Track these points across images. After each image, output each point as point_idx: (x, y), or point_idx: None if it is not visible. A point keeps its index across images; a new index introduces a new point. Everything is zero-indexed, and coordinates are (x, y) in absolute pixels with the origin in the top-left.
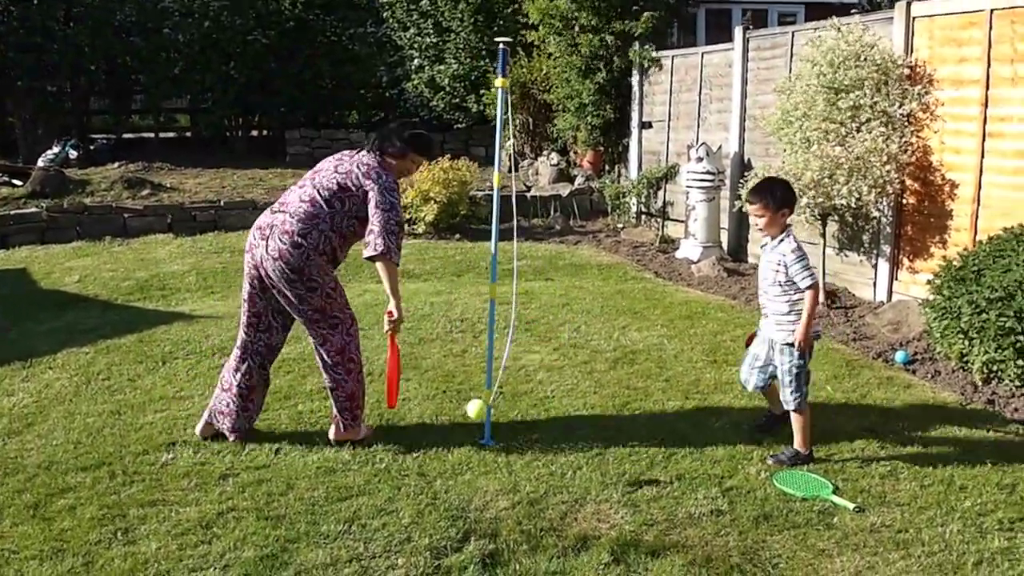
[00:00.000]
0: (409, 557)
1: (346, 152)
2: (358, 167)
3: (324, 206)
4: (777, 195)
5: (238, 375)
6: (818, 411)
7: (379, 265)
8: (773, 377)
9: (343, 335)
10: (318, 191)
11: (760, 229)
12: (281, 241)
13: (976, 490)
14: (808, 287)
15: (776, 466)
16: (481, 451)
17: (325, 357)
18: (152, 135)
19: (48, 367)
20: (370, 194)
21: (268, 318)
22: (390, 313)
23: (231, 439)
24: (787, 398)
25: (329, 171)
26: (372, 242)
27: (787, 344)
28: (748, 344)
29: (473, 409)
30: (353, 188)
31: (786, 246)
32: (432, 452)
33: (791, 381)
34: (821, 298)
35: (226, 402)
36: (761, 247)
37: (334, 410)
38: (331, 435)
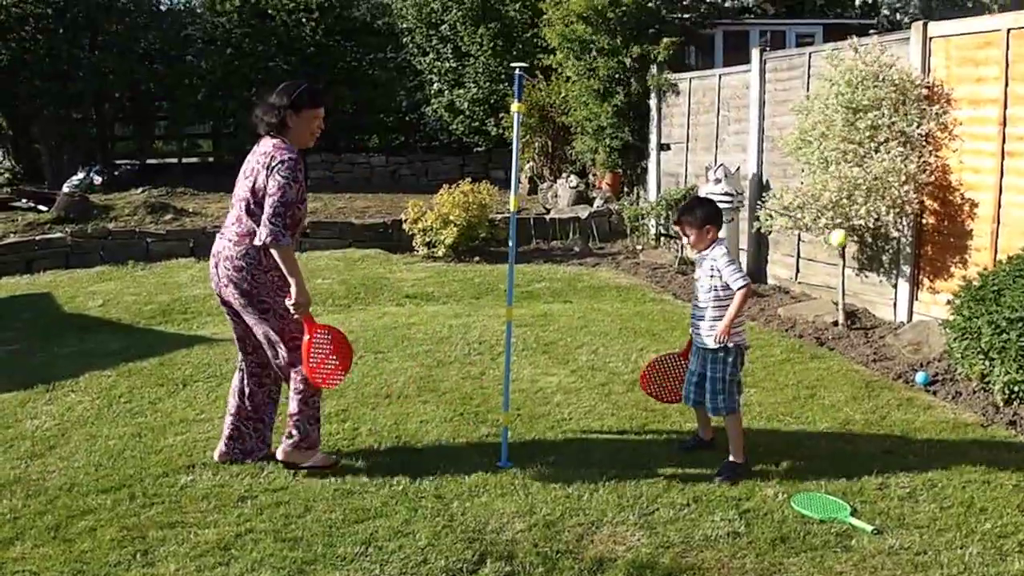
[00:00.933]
0: None
1: (250, 154)
2: (258, 160)
3: (247, 218)
4: (699, 213)
5: (244, 399)
6: (837, 432)
7: (273, 252)
8: (701, 402)
9: (298, 357)
10: (239, 206)
11: (690, 246)
12: (225, 267)
13: (996, 512)
14: (740, 287)
15: (722, 483)
16: (498, 473)
17: (291, 380)
18: (175, 161)
19: (71, 390)
20: (269, 179)
21: (253, 338)
22: (289, 296)
23: (248, 461)
24: (717, 405)
25: (241, 179)
26: (259, 232)
27: (716, 350)
28: (684, 356)
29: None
30: (262, 185)
31: (717, 251)
32: (449, 474)
33: (721, 388)
34: (750, 303)
35: (234, 425)
36: (693, 260)
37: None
38: (278, 454)
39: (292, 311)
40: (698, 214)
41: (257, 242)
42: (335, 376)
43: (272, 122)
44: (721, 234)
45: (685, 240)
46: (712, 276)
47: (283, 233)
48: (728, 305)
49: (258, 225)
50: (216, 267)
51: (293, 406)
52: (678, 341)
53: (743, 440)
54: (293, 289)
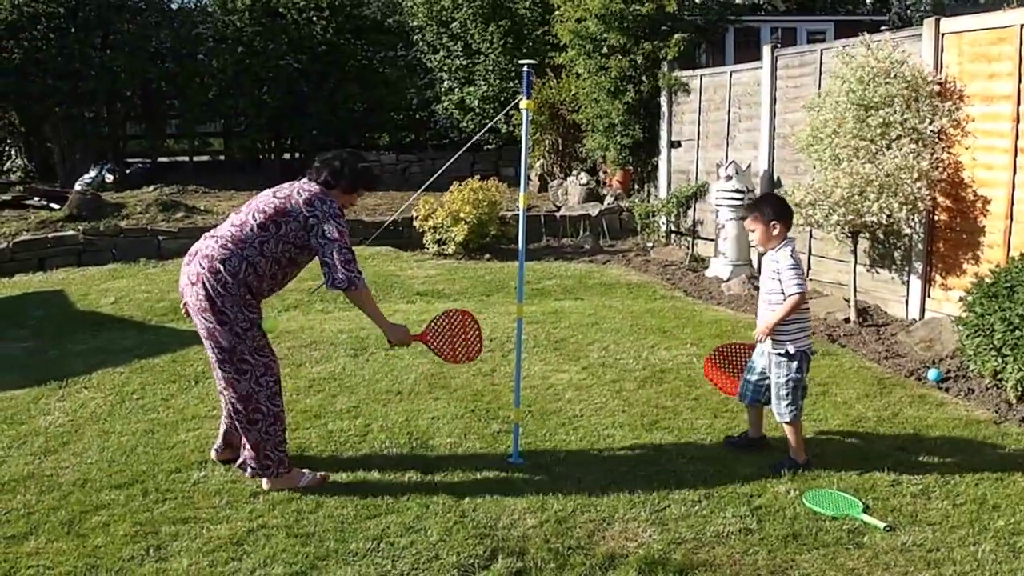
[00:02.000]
0: (437, 575)
1: (286, 183)
2: (299, 193)
3: (255, 229)
4: (767, 210)
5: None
6: (849, 430)
7: (351, 297)
8: (758, 401)
9: (251, 383)
10: (251, 215)
11: (757, 243)
12: (200, 265)
13: (1009, 509)
14: (793, 293)
15: (775, 474)
16: (509, 469)
17: (230, 402)
18: (187, 159)
19: (84, 387)
20: (311, 221)
21: None
22: (391, 344)
23: (266, 487)
24: (781, 410)
25: (268, 196)
26: (330, 274)
27: (782, 355)
28: (752, 348)
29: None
30: (292, 214)
31: (783, 253)
32: (460, 470)
33: (787, 393)
34: (817, 311)
35: (227, 427)
36: (760, 255)
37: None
38: (264, 485)
39: (393, 344)
40: (766, 210)
41: (334, 285)
42: (472, 348)
43: (330, 179)
44: (732, 231)
45: (751, 236)
46: (774, 278)
47: (360, 277)
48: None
49: (262, 244)
50: (189, 263)
51: (253, 436)
52: (689, 338)
53: (804, 443)
54: (388, 335)
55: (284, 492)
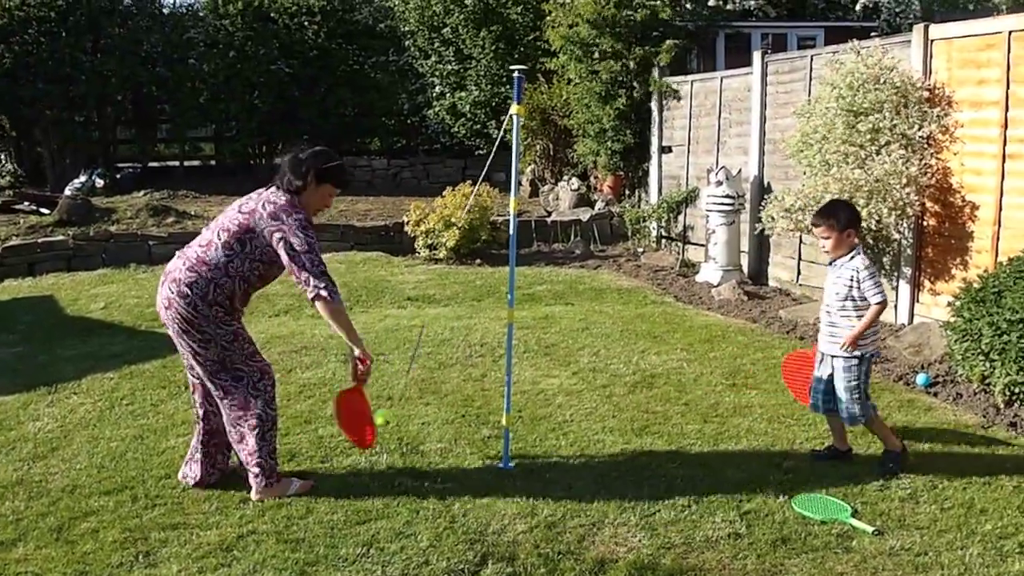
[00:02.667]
0: None
1: (255, 192)
2: (263, 206)
3: (220, 249)
4: (841, 216)
5: (205, 417)
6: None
7: (322, 310)
8: (831, 409)
9: (247, 389)
10: (216, 234)
11: (827, 251)
12: (170, 289)
13: (997, 513)
14: (878, 303)
15: (889, 476)
16: (499, 475)
17: (225, 410)
18: (177, 164)
19: (73, 392)
20: (277, 235)
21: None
22: (362, 360)
23: (255, 497)
24: (855, 414)
25: (233, 211)
26: (305, 288)
27: (847, 359)
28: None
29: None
30: (256, 230)
31: (859, 262)
32: (450, 476)
33: (857, 396)
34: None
35: (203, 449)
36: (829, 264)
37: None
38: (253, 495)
39: (353, 376)
40: (841, 217)
41: (311, 295)
42: (365, 435)
43: (294, 182)
44: (722, 237)
45: (821, 244)
46: (850, 286)
47: (335, 291)
48: (859, 315)
49: (228, 262)
50: (163, 285)
51: (252, 443)
52: (680, 343)
53: (888, 430)
54: (357, 351)
55: (275, 498)
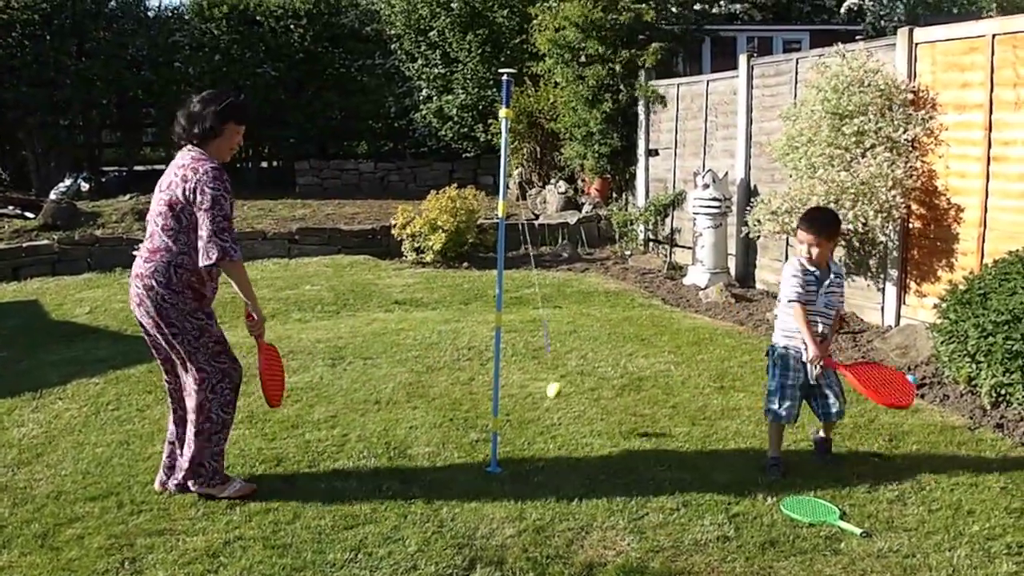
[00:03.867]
0: None
1: (171, 167)
2: (175, 173)
3: (161, 234)
4: (832, 229)
5: (179, 427)
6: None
7: (224, 269)
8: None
9: (206, 391)
10: (153, 221)
11: (812, 259)
12: (136, 286)
13: (984, 515)
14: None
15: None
16: (487, 478)
17: (187, 406)
18: (163, 167)
19: (58, 397)
20: (191, 196)
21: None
22: (250, 316)
23: (194, 490)
24: (843, 407)
25: (157, 192)
26: (204, 248)
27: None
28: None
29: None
30: (180, 200)
31: (840, 269)
32: (438, 480)
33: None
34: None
35: (173, 455)
36: (813, 275)
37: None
38: (192, 487)
39: (249, 330)
40: (831, 229)
41: (206, 260)
42: (277, 394)
43: (195, 132)
44: (709, 239)
45: (805, 251)
46: (835, 292)
47: (234, 249)
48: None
49: (174, 242)
50: (131, 286)
51: (198, 442)
52: (667, 346)
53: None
54: (251, 307)
55: (262, 503)
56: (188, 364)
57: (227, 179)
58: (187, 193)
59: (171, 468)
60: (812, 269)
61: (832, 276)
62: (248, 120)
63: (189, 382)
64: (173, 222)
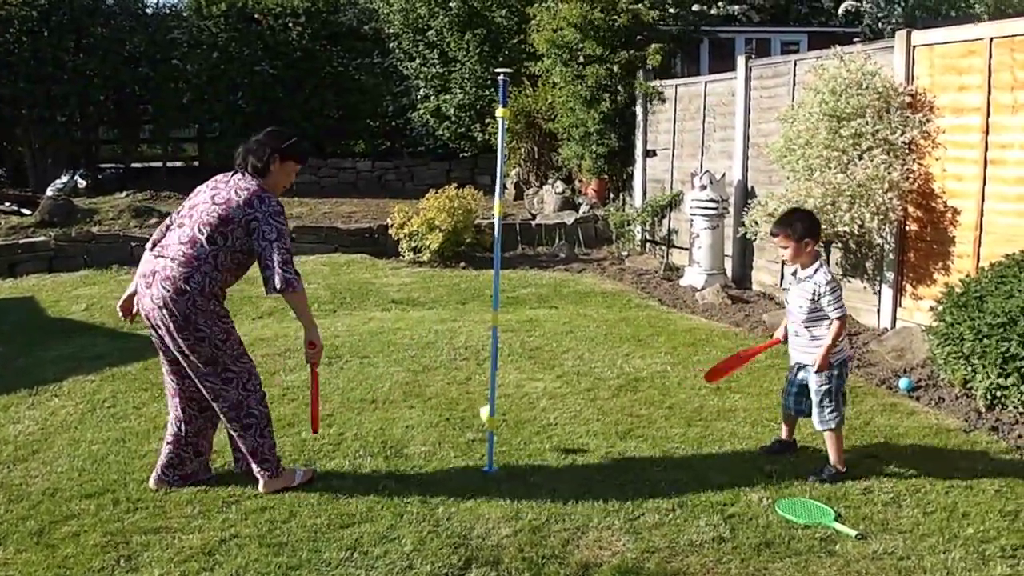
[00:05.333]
0: None
1: (220, 177)
2: (236, 194)
3: (205, 245)
4: (798, 227)
5: (182, 425)
6: (821, 438)
7: (287, 298)
8: (802, 412)
9: (239, 389)
10: (198, 229)
11: (786, 260)
12: (164, 288)
13: (979, 517)
14: (838, 318)
15: (816, 482)
16: (483, 478)
17: (222, 409)
18: (160, 164)
19: (54, 395)
20: (252, 224)
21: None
22: (311, 344)
23: (263, 489)
24: (824, 417)
25: (207, 203)
26: (270, 278)
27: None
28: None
29: (484, 414)
30: (235, 220)
31: (821, 277)
32: (434, 479)
33: (830, 400)
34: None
35: (174, 453)
36: (792, 274)
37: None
38: (261, 488)
39: (307, 359)
40: (797, 227)
41: (272, 288)
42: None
43: (257, 165)
44: (706, 241)
45: (780, 252)
46: (813, 300)
47: (297, 280)
48: (824, 324)
49: (214, 256)
50: (150, 287)
51: (251, 441)
52: (664, 347)
53: (842, 450)
54: (311, 334)
55: (258, 500)
56: (208, 368)
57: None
58: (247, 218)
59: (168, 467)
60: (793, 268)
61: (802, 279)
62: (305, 163)
63: (214, 388)
64: (220, 238)
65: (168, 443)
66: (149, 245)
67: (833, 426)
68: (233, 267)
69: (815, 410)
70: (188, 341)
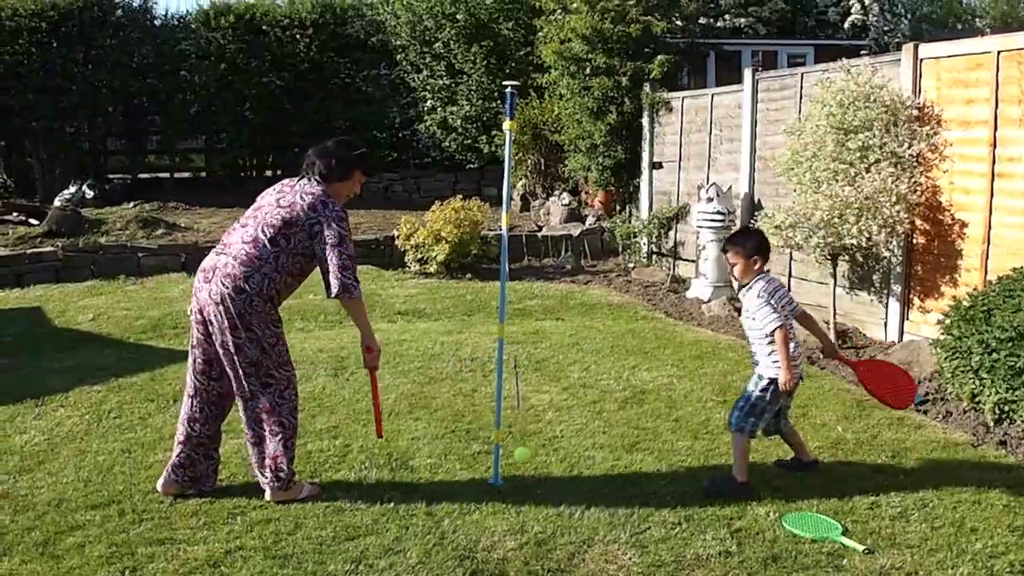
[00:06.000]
0: None
1: (287, 181)
2: (301, 198)
3: (268, 246)
4: (748, 244)
5: (196, 425)
6: (828, 452)
7: (344, 304)
8: (777, 429)
9: (275, 396)
10: (261, 230)
11: (735, 276)
12: (223, 284)
13: (987, 532)
14: (772, 330)
15: (709, 489)
16: (489, 491)
17: (251, 412)
18: (167, 175)
19: (60, 405)
20: (315, 228)
21: (221, 366)
22: (368, 349)
23: (198, 489)
24: (734, 416)
25: (272, 206)
26: (330, 282)
27: (760, 376)
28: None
29: (520, 455)
30: (298, 223)
31: (758, 286)
32: (440, 492)
33: (744, 406)
34: (804, 335)
35: (185, 454)
36: (738, 290)
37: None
38: (268, 496)
39: (365, 363)
40: (748, 244)
41: (332, 292)
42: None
43: (326, 172)
44: (713, 253)
45: (728, 268)
46: (753, 317)
47: (354, 285)
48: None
49: (275, 258)
50: (209, 282)
51: (273, 447)
52: (670, 359)
53: (745, 462)
54: (368, 339)
55: (263, 512)
56: (247, 370)
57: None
58: (311, 222)
59: (179, 467)
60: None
61: (745, 295)
62: (372, 174)
63: (252, 389)
64: (283, 240)
65: (180, 443)
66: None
67: (735, 428)
68: (294, 271)
69: (734, 411)
70: (239, 340)
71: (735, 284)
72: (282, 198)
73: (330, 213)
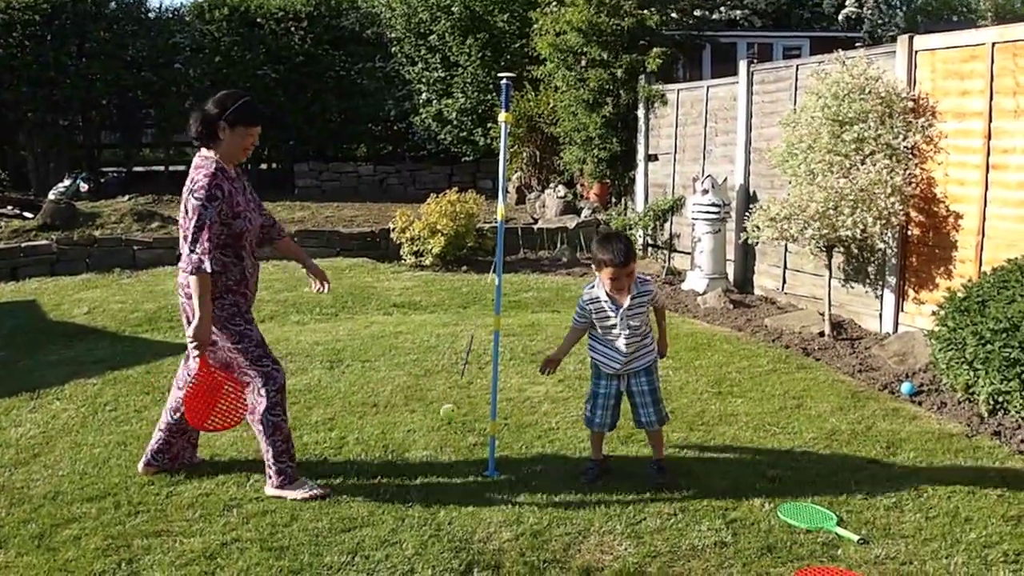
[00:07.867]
0: None
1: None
2: (188, 178)
3: (183, 243)
4: (632, 252)
5: (178, 415)
6: (823, 443)
7: (193, 282)
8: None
9: (254, 395)
10: (181, 228)
11: (623, 289)
12: (179, 295)
13: (981, 522)
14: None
15: (661, 486)
16: (485, 482)
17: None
18: (162, 168)
19: (56, 398)
20: (187, 199)
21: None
22: (193, 336)
23: (268, 492)
24: (662, 414)
25: (185, 195)
26: (189, 253)
27: (652, 361)
28: None
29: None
30: (186, 200)
31: (649, 286)
32: (436, 483)
33: (660, 397)
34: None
35: (165, 440)
36: (620, 306)
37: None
38: (266, 490)
39: (188, 343)
40: (633, 253)
41: (185, 264)
42: (202, 418)
43: (195, 137)
44: (708, 245)
45: (617, 284)
46: (646, 310)
47: (201, 260)
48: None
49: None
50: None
51: (262, 443)
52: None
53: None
54: (196, 322)
55: (259, 504)
56: (230, 371)
57: (222, 182)
58: (186, 193)
59: (159, 452)
60: (605, 298)
61: (637, 296)
62: (260, 121)
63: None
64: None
65: (160, 430)
66: None
67: (667, 419)
68: (229, 241)
69: (653, 408)
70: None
71: (627, 298)
72: (186, 187)
73: (191, 185)
